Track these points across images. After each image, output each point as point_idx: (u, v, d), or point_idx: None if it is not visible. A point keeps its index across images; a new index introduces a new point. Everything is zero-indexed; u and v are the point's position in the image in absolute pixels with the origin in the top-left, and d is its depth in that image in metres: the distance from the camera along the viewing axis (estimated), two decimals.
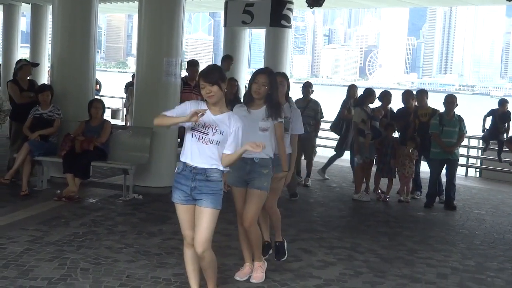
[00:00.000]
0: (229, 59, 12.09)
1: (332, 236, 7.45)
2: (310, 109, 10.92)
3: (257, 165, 5.43)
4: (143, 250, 6.27)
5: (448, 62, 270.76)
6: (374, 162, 10.37)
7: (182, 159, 4.64)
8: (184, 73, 10.50)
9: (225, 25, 16.31)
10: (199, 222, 4.62)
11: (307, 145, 11.07)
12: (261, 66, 14.03)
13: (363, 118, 9.94)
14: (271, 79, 5.46)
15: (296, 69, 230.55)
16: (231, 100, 10.61)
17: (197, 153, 4.55)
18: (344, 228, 8.08)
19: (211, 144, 4.54)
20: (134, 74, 12.10)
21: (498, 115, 13.25)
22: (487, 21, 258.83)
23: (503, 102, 13.40)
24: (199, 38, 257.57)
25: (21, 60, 10.58)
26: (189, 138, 4.60)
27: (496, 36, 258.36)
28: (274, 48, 15.17)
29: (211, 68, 4.78)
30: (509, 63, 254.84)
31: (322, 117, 11.21)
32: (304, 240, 7.15)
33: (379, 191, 10.23)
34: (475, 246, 7.56)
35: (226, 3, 15.85)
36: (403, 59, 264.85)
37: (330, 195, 10.40)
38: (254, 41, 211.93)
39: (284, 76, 6.20)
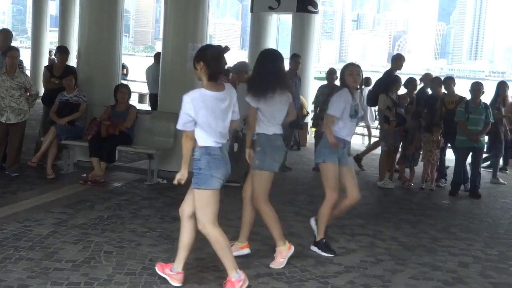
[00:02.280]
0: (296, 57, 11.49)
1: (355, 223, 7.46)
2: None
3: None
4: (166, 234, 6.34)
5: (478, 48, 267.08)
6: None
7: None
8: None
9: (251, 11, 16.32)
10: None
11: None
12: (288, 51, 14.16)
13: (388, 105, 9.90)
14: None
15: (324, 54, 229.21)
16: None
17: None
18: (367, 215, 8.07)
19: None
20: None
21: None
22: None
23: None
24: (227, 23, 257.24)
25: (59, 47, 10.70)
26: None
27: None
28: (300, 34, 15.14)
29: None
30: None
31: None
32: (326, 227, 7.14)
33: (406, 180, 10.16)
34: (499, 235, 7.51)
35: None
36: (432, 45, 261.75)
37: None
38: (282, 26, 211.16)
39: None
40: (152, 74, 13.56)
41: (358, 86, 6.13)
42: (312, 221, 6.37)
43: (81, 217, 6.77)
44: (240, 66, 9.14)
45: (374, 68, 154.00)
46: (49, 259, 5.37)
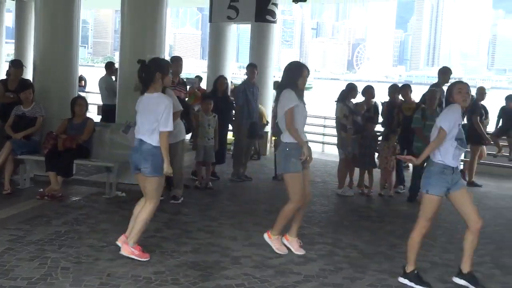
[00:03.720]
0: (252, 67, 11.34)
1: (314, 232, 7.49)
2: None
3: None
4: None
5: (435, 54, 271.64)
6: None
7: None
8: None
9: (210, 21, 16.31)
10: None
11: None
12: (248, 60, 14.21)
13: (345, 113, 9.99)
14: None
15: (284, 63, 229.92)
16: (220, 98, 10.62)
17: None
18: (326, 223, 8.13)
19: None
20: None
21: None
22: (474, 13, 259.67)
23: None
24: (187, 33, 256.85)
25: (13, 61, 10.52)
26: None
27: (483, 28, 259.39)
28: (259, 43, 15.19)
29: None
30: (496, 55, 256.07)
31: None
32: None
33: (364, 187, 10.27)
34: (456, 240, 7.58)
35: None
36: (390, 52, 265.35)
37: (313, 190, 10.36)
38: (242, 35, 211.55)
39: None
40: (105, 85, 13.45)
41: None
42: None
43: (38, 233, 6.65)
44: None
45: (334, 76, 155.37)
46: (4, 277, 5.26)
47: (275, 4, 15.05)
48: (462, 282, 5.81)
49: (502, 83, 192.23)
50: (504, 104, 12.69)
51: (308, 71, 6.52)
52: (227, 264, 5.98)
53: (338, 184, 10.17)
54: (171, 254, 6.18)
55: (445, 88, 10.79)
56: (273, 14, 15.08)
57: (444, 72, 10.81)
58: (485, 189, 11.54)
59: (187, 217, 7.83)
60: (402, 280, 5.79)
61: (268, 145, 14.24)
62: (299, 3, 16.60)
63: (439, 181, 5.59)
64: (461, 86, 5.67)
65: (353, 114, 9.98)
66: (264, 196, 9.80)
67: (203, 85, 16.34)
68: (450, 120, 5.55)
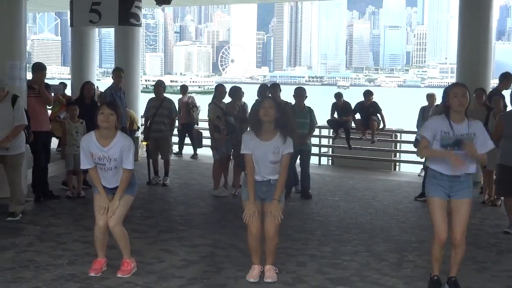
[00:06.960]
0: (118, 71, 11.44)
1: (193, 234, 7.46)
2: (164, 108, 10.89)
3: (273, 186, 5.73)
4: None
5: (297, 55, 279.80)
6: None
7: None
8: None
9: (71, 25, 15.82)
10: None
11: (163, 144, 11.04)
12: (113, 65, 13.91)
13: (217, 115, 10.02)
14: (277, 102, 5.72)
15: (149, 67, 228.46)
16: (88, 104, 10.27)
17: (105, 179, 5.75)
18: (205, 225, 8.11)
19: (110, 171, 5.66)
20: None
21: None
22: (331, 15, 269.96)
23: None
24: (46, 38, 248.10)
25: None
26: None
27: (340, 29, 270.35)
28: (124, 47, 14.91)
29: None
30: (353, 54, 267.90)
31: (176, 115, 11.20)
32: (165, 241, 7.10)
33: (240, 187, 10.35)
34: (331, 232, 7.86)
35: (71, 2, 15.38)
36: (254, 54, 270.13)
37: (189, 193, 10.39)
38: (104, 40, 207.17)
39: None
40: None
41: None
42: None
43: None
44: None
45: (199, 79, 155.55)
46: None
47: (139, 7, 14.84)
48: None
49: (360, 80, 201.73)
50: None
51: (269, 101, 5.67)
52: (107, 273, 5.80)
53: (214, 185, 10.18)
54: (46, 268, 5.92)
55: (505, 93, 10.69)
56: (137, 17, 14.87)
57: (508, 78, 10.53)
58: (352, 181, 11.99)
59: (61, 228, 7.53)
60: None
61: (140, 150, 13.98)
62: (162, 6, 16.46)
63: (434, 183, 5.45)
64: (456, 90, 5.39)
65: (226, 115, 10.02)
66: (140, 202, 9.56)
67: (68, 91, 15.81)
68: (427, 126, 5.49)
